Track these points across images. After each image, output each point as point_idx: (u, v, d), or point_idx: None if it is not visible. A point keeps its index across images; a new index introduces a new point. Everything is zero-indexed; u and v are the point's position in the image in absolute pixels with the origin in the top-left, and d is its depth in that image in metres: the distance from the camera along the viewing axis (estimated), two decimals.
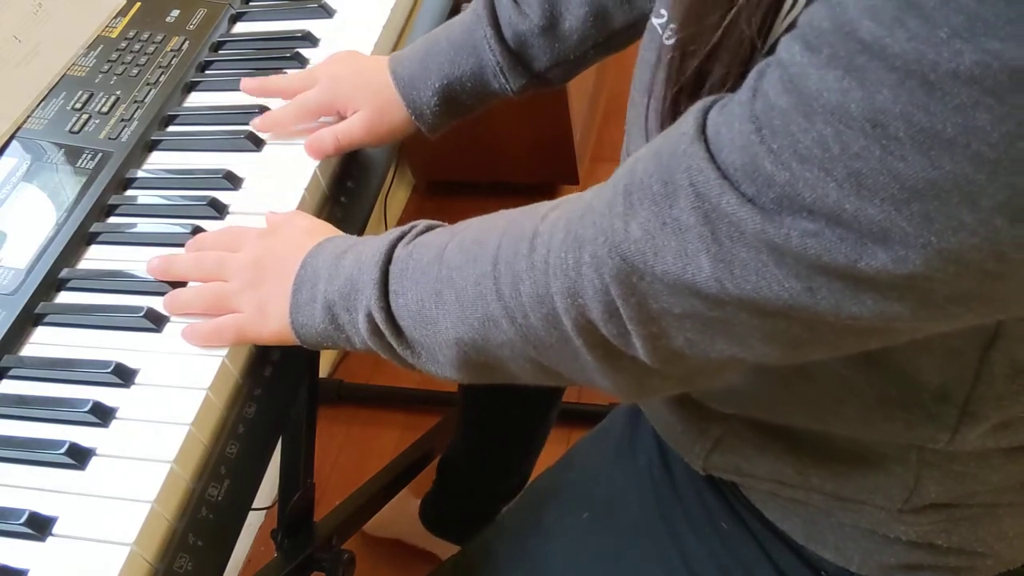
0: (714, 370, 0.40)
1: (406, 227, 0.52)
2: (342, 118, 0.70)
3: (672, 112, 0.42)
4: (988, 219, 0.28)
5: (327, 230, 0.58)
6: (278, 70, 0.75)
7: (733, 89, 0.35)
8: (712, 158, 0.33)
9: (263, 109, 0.72)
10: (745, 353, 0.37)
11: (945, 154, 0.27)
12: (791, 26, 0.33)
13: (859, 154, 0.29)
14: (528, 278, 0.41)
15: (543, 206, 0.44)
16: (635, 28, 0.66)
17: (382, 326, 0.49)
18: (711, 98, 0.35)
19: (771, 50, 0.35)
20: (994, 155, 0.26)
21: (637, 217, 0.36)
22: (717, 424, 0.54)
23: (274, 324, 0.55)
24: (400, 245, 0.50)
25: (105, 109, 0.72)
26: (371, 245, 0.52)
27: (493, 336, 0.45)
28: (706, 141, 0.34)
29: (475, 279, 0.44)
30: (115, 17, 0.80)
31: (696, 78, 0.40)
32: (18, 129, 0.71)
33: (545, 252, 0.40)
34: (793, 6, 0.36)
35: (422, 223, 0.52)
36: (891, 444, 0.47)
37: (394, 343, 0.50)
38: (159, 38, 0.78)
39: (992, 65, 0.25)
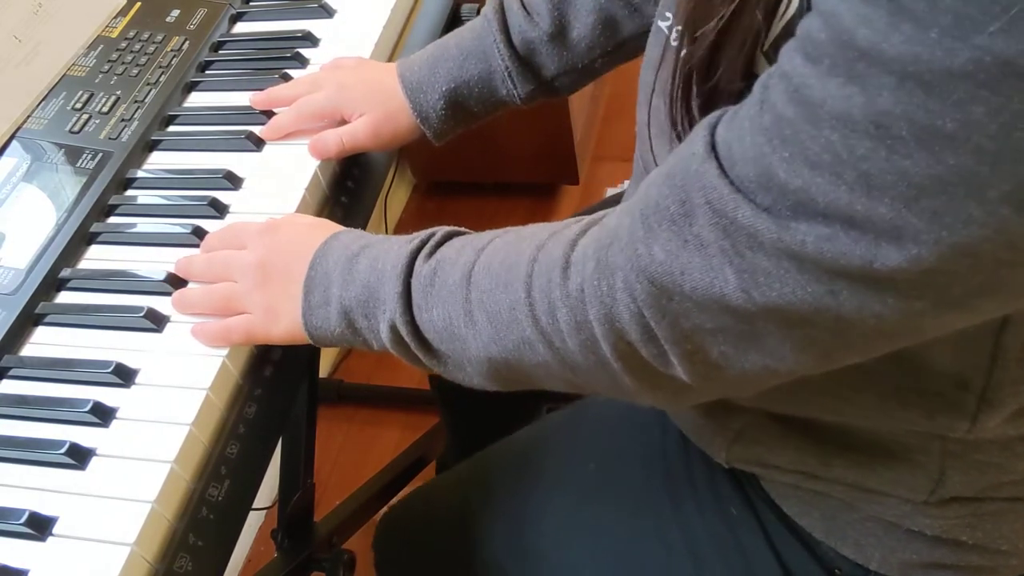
0: (750, 383, 0.41)
1: (423, 236, 0.52)
2: (345, 123, 0.70)
3: (683, 109, 0.43)
4: (995, 210, 0.28)
5: (329, 225, 0.58)
6: (278, 70, 0.75)
7: (734, 88, 0.36)
8: (724, 173, 0.34)
9: (264, 109, 0.72)
10: (778, 365, 0.38)
11: (948, 149, 0.28)
12: (788, 29, 0.34)
13: (866, 156, 0.29)
14: (564, 306, 0.42)
15: (569, 230, 0.45)
16: (643, 38, 0.67)
17: (408, 339, 0.50)
18: (716, 114, 0.36)
19: (772, 46, 0.36)
20: (994, 147, 0.27)
21: (658, 239, 0.37)
22: (737, 417, 0.54)
23: (284, 325, 0.55)
24: (420, 257, 0.50)
25: (105, 109, 0.72)
26: (386, 250, 0.52)
27: (528, 358, 0.46)
28: (717, 158, 0.35)
29: (509, 304, 0.45)
30: (115, 17, 0.80)
31: (703, 73, 0.41)
32: (18, 129, 0.71)
33: (580, 280, 0.41)
34: (789, 5, 0.37)
35: (440, 232, 0.52)
36: (913, 434, 0.47)
37: (420, 354, 0.51)
38: (159, 38, 0.78)
39: (983, 60, 0.26)
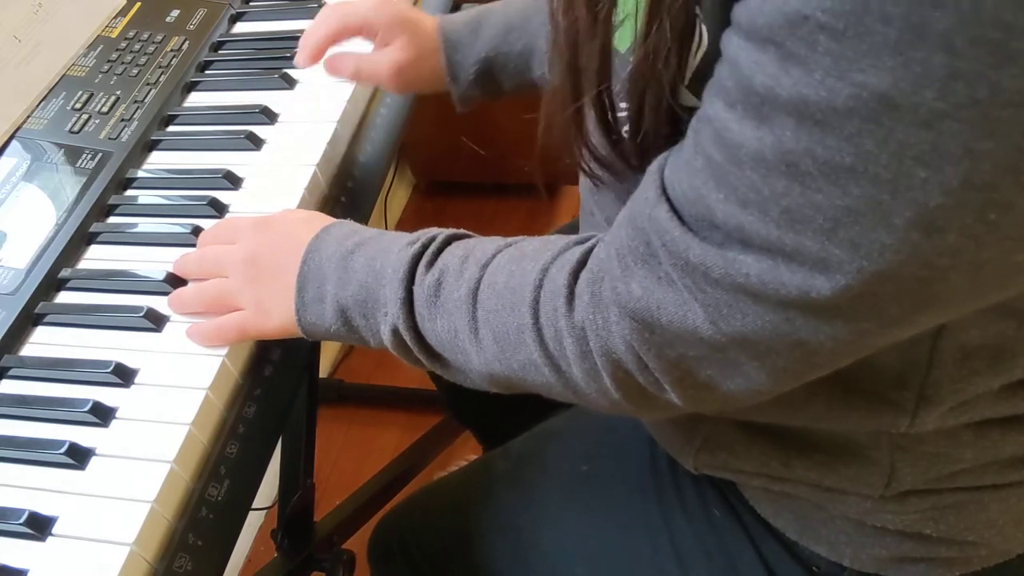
0: (739, 401, 0.42)
1: (424, 239, 0.51)
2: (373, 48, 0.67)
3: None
4: (905, 236, 0.30)
5: (321, 219, 0.58)
6: (278, 70, 0.75)
7: (663, 132, 0.40)
8: (676, 214, 0.36)
9: (264, 109, 0.72)
10: (760, 387, 0.39)
11: (851, 181, 0.30)
12: (707, 63, 0.36)
13: (784, 193, 0.31)
14: (569, 336, 0.43)
15: (571, 253, 0.45)
16: None
17: (411, 344, 0.50)
18: (664, 156, 0.39)
19: (694, 78, 0.38)
20: (889, 175, 0.29)
21: (635, 276, 0.39)
22: (702, 425, 0.55)
23: (276, 320, 0.55)
24: (422, 265, 0.50)
25: (105, 109, 0.72)
26: (383, 250, 0.52)
27: (533, 377, 0.47)
28: (668, 200, 0.37)
29: (516, 327, 0.45)
30: (115, 17, 0.80)
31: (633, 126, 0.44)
32: (18, 129, 0.71)
33: (582, 313, 0.42)
34: (702, 40, 0.39)
35: (440, 236, 0.51)
36: (864, 432, 0.49)
37: (422, 357, 0.51)
38: (159, 38, 0.78)
39: (862, 95, 0.28)
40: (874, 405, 0.46)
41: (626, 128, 0.44)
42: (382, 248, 0.52)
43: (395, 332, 0.50)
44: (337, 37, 0.67)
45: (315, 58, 0.67)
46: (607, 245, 0.42)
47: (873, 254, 0.31)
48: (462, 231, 0.53)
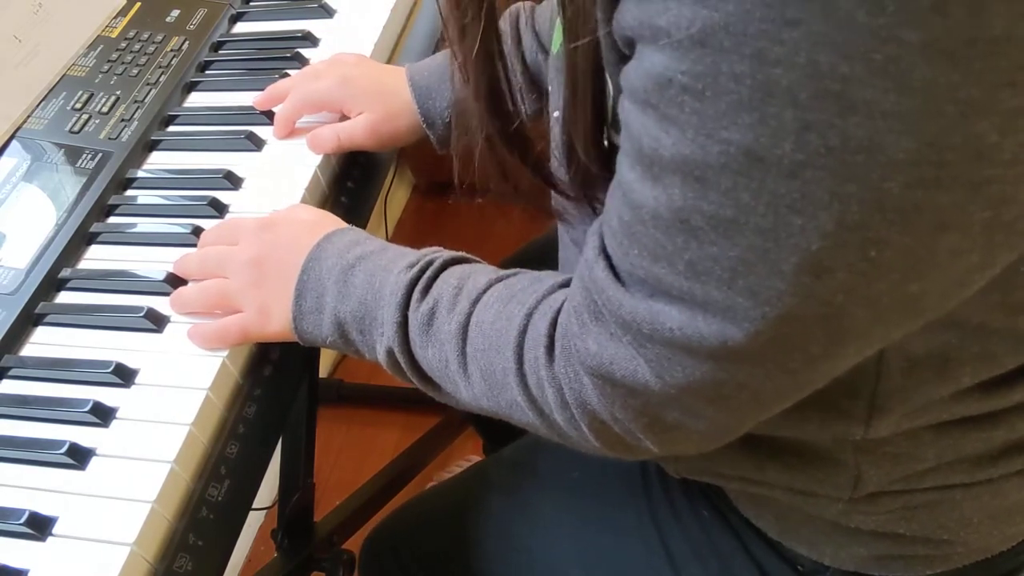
0: (713, 440, 0.42)
1: (422, 263, 0.52)
2: (344, 118, 0.70)
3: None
4: (797, 280, 0.31)
5: (329, 222, 0.58)
6: (278, 70, 0.75)
7: (593, 161, 0.43)
8: (612, 271, 0.38)
9: (266, 110, 0.72)
10: (725, 426, 0.40)
11: (736, 233, 0.31)
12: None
13: (684, 247, 0.33)
14: (550, 386, 0.44)
15: (553, 299, 0.46)
16: None
17: (405, 366, 0.51)
18: (602, 216, 0.39)
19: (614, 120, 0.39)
20: (768, 224, 0.30)
21: (591, 333, 0.40)
22: None
23: (277, 324, 0.55)
24: (417, 291, 0.50)
25: (105, 109, 0.72)
26: (383, 267, 0.52)
27: (518, 416, 0.47)
28: (607, 257, 0.38)
29: (502, 368, 0.46)
30: (115, 17, 0.80)
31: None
32: (18, 129, 0.71)
33: (559, 365, 0.43)
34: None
35: (437, 261, 0.52)
36: (825, 437, 0.49)
37: (414, 379, 0.52)
38: (159, 38, 0.78)
39: (730, 151, 0.29)
40: (829, 415, 0.46)
41: (561, 165, 0.45)
42: (382, 266, 0.52)
43: (390, 353, 0.51)
44: (305, 113, 0.71)
45: (289, 131, 0.71)
46: (568, 300, 0.42)
47: (772, 300, 0.31)
48: (461, 254, 0.54)
